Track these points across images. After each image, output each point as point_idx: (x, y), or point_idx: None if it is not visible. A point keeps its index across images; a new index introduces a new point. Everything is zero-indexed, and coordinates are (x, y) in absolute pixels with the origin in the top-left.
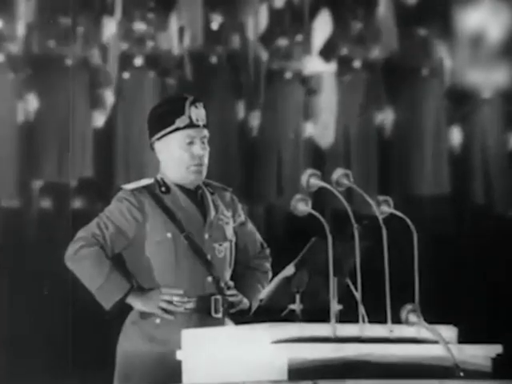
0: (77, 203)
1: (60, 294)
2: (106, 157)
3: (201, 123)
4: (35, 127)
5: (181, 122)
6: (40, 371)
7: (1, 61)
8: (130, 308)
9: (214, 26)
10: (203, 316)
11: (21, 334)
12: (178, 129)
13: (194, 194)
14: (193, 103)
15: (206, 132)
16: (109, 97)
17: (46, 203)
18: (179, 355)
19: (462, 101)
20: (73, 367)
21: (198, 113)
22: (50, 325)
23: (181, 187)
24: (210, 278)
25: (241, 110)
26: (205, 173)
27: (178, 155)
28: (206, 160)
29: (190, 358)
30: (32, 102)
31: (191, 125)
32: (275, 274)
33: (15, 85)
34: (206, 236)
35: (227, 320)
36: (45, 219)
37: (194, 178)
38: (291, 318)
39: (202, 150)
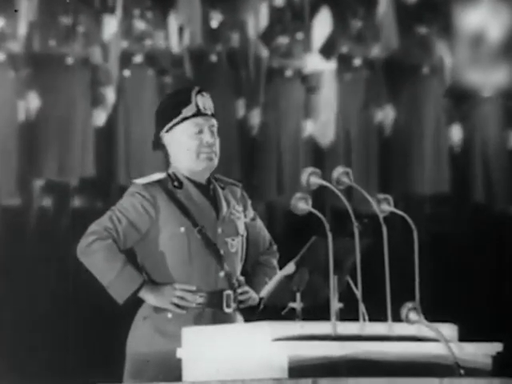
0: (77, 202)
1: (61, 292)
2: (106, 155)
3: (208, 112)
4: (36, 126)
5: (188, 110)
6: (42, 368)
7: (2, 59)
8: (137, 304)
9: (214, 24)
10: (215, 311)
11: (22, 332)
12: (185, 118)
13: (206, 189)
14: (199, 92)
15: (214, 121)
16: (109, 95)
17: (47, 201)
18: (179, 353)
19: (462, 99)
20: (76, 364)
21: (204, 101)
22: (51, 322)
23: (193, 182)
24: (222, 273)
25: (241, 108)
26: (216, 161)
27: (188, 144)
28: (216, 148)
29: (190, 356)
30: (33, 101)
31: (199, 113)
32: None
33: (16, 83)
34: (219, 231)
35: (238, 315)
36: (45, 217)
37: (206, 164)
38: (292, 316)
39: (212, 138)
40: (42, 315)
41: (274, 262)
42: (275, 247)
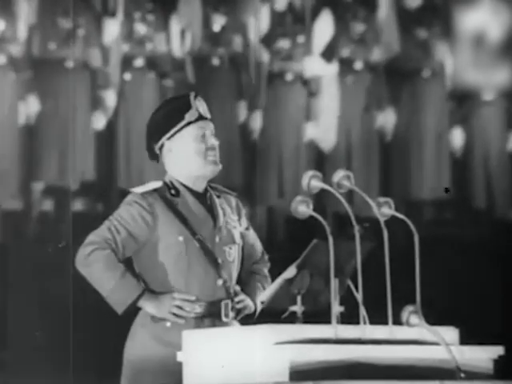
0: (78, 205)
1: (60, 295)
2: (107, 159)
3: (208, 115)
4: (36, 129)
5: (191, 115)
6: (40, 371)
7: (3, 62)
8: (137, 309)
9: (216, 27)
10: (213, 320)
11: (21, 334)
12: (189, 123)
13: (203, 197)
14: (196, 97)
15: (212, 125)
16: (109, 98)
17: (47, 205)
18: (180, 357)
19: (463, 102)
20: (74, 368)
21: (203, 106)
22: (50, 325)
23: (190, 190)
24: (220, 282)
25: (242, 111)
26: (220, 164)
27: (196, 147)
28: (217, 152)
29: (191, 360)
30: (33, 104)
31: (201, 117)
32: (276, 276)
33: (17, 86)
34: (217, 239)
35: (236, 324)
36: (45, 221)
37: (213, 168)
38: (293, 319)
39: (215, 141)
40: (41, 319)
41: (266, 271)
42: (267, 257)
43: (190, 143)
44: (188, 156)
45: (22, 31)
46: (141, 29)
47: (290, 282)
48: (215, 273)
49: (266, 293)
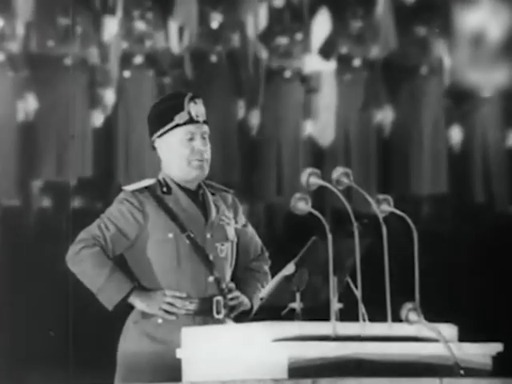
0: (76, 202)
1: (60, 294)
2: (105, 156)
3: (200, 119)
4: (35, 126)
5: (180, 118)
6: (40, 370)
7: (0, 60)
8: (131, 307)
9: (214, 24)
10: (205, 317)
11: (21, 334)
12: (177, 125)
13: (195, 195)
14: (192, 99)
15: (206, 128)
16: (108, 96)
17: (46, 202)
18: (179, 353)
19: (461, 100)
20: (73, 366)
21: (197, 109)
22: (50, 324)
23: (182, 188)
24: (211, 278)
25: (240, 108)
26: (207, 169)
27: (179, 151)
28: (207, 155)
29: (190, 356)
30: (31, 102)
31: (191, 121)
32: (275, 273)
33: (15, 84)
34: (208, 236)
35: (229, 321)
36: (44, 218)
37: (197, 173)
38: (291, 316)
39: (203, 146)
40: (41, 316)
41: (266, 267)
42: (267, 254)
43: (176, 146)
44: (172, 159)
45: (20, 28)
46: (140, 26)
47: (288, 278)
48: (207, 269)
49: (265, 290)
